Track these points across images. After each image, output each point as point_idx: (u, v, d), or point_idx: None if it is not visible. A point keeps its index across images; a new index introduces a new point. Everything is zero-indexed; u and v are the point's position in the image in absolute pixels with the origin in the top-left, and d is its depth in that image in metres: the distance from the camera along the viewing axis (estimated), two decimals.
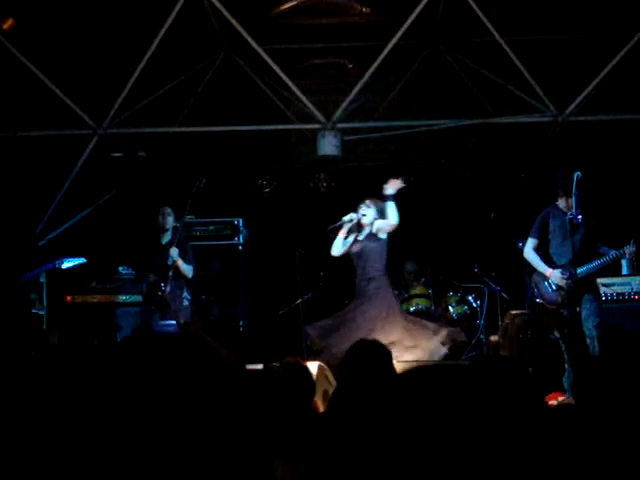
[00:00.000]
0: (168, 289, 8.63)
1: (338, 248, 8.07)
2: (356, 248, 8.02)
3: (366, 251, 7.95)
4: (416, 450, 2.99)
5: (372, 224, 8.00)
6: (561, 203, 7.68)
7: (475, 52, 10.58)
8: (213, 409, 2.52)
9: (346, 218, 8.04)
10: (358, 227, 8.07)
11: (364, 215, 8.02)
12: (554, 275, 7.56)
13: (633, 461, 2.96)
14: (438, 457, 2.96)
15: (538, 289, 7.70)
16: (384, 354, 4.35)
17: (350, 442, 3.16)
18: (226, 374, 2.72)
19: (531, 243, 7.86)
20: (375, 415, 3.19)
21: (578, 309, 7.51)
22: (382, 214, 7.99)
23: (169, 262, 8.61)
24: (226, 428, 2.51)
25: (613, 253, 7.55)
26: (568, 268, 7.54)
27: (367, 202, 8.09)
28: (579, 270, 7.49)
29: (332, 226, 8.12)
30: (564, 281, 7.50)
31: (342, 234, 8.02)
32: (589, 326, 7.40)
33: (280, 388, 3.81)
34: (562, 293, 7.55)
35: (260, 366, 4.71)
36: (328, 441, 3.22)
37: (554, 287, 7.57)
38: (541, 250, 7.79)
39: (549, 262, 7.68)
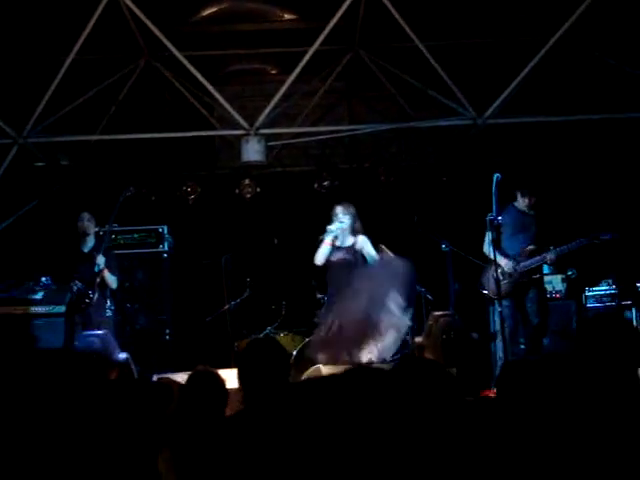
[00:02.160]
0: (95, 296, 8.56)
1: (324, 256, 8.32)
2: (338, 257, 8.18)
3: (351, 260, 8.20)
4: (333, 455, 3.01)
5: (349, 234, 8.28)
6: (520, 202, 8.43)
7: (395, 57, 10.67)
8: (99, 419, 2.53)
9: (332, 227, 8.31)
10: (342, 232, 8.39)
11: (343, 222, 8.34)
12: (505, 263, 8.01)
13: (552, 454, 3.04)
14: (356, 461, 2.98)
15: (487, 284, 8.19)
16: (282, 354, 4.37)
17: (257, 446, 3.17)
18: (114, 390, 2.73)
19: (488, 237, 8.30)
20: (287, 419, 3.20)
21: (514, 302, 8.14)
22: (357, 218, 8.44)
23: (95, 269, 8.53)
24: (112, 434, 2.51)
25: (544, 255, 8.17)
26: (514, 259, 8.22)
27: (340, 209, 8.40)
28: (526, 262, 8.19)
29: (322, 237, 8.35)
30: (512, 270, 8.05)
31: (329, 244, 8.28)
32: (530, 324, 8.18)
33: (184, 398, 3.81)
34: (508, 284, 8.11)
35: (185, 375, 4.68)
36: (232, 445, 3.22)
37: (500, 277, 7.95)
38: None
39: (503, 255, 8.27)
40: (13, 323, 9.31)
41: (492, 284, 8.21)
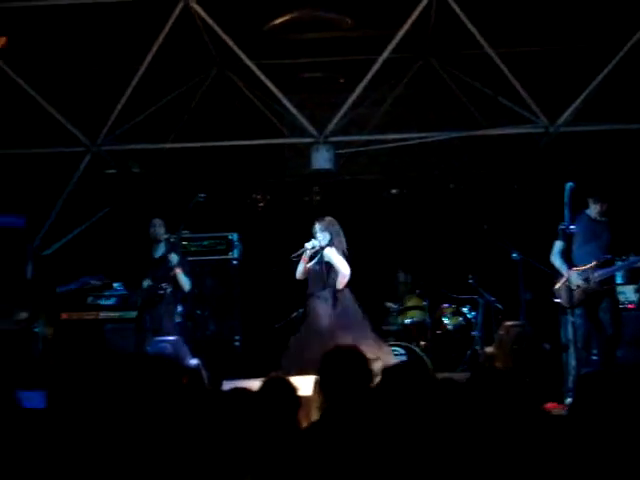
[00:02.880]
0: (169, 290, 8.65)
1: (299, 273, 8.35)
2: (311, 270, 8.28)
3: (320, 272, 8.21)
4: (413, 462, 3.00)
5: (328, 249, 8.23)
6: (592, 209, 8.25)
7: (466, 64, 10.61)
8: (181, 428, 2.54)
9: (308, 245, 8.25)
10: (321, 249, 8.29)
11: (320, 240, 8.26)
12: (572, 276, 7.85)
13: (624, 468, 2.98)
14: (434, 471, 2.96)
15: (559, 294, 8.03)
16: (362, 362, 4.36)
17: (339, 455, 3.16)
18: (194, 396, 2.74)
19: (557, 247, 8.24)
20: (367, 428, 3.19)
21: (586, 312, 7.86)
22: (337, 235, 8.32)
23: (169, 265, 8.61)
24: (196, 446, 2.52)
25: (634, 259, 7.91)
26: (586, 270, 7.97)
27: (318, 226, 8.33)
28: (599, 272, 7.93)
29: (295, 254, 8.31)
30: (580, 282, 7.79)
31: (304, 261, 8.27)
32: (604, 335, 7.98)
33: (257, 406, 3.81)
34: (581, 293, 7.83)
35: (257, 382, 4.70)
36: (313, 454, 3.22)
37: (573, 287, 7.83)
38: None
39: (572, 264, 7.99)
40: (85, 328, 9.49)
41: (564, 293, 8.08)
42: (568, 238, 7.98)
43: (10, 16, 9.29)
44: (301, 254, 8.26)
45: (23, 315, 7.99)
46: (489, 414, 3.17)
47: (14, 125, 10.28)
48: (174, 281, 8.73)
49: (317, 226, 8.33)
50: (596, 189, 8.46)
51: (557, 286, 8.24)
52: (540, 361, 7.71)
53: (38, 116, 9.87)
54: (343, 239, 8.35)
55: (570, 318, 7.84)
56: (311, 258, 8.24)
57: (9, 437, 2.84)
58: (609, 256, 8.19)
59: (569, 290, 7.94)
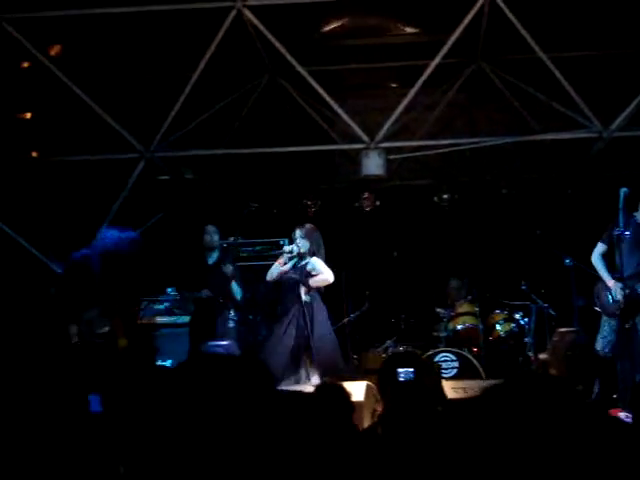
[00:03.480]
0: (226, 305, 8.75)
1: (272, 275, 8.33)
2: (287, 276, 8.25)
3: (297, 280, 8.17)
4: (470, 467, 2.99)
5: (307, 257, 8.23)
6: None
7: (518, 69, 10.56)
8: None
9: (287, 249, 8.30)
10: (298, 255, 8.25)
11: (299, 246, 8.21)
12: (615, 288, 7.61)
13: None
14: (491, 473, 2.96)
15: (599, 297, 7.79)
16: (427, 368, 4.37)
17: (401, 458, 3.17)
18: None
19: (599, 248, 7.97)
20: (427, 431, 3.20)
21: (627, 325, 7.54)
22: (317, 244, 8.31)
23: (227, 273, 8.70)
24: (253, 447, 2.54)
25: None
26: (630, 282, 7.59)
27: (298, 232, 8.32)
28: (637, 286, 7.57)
29: (275, 252, 8.60)
30: (622, 293, 7.56)
31: (280, 263, 8.29)
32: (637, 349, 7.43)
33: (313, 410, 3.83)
34: (620, 305, 7.60)
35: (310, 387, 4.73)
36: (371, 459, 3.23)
37: (616, 298, 7.61)
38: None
39: (614, 270, 7.74)
40: (139, 333, 9.59)
41: (607, 302, 7.79)
42: (611, 242, 7.78)
43: (65, 24, 9.46)
44: (278, 256, 8.31)
45: (105, 328, 8.11)
46: (544, 421, 3.15)
47: (70, 133, 10.44)
48: (228, 290, 8.82)
49: (297, 232, 8.31)
50: None
51: (597, 292, 7.96)
52: (595, 368, 7.64)
53: (93, 123, 10.01)
54: (323, 248, 8.33)
55: (617, 327, 7.63)
56: (285, 263, 8.22)
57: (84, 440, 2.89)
58: None
59: (611, 300, 7.74)
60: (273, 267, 8.30)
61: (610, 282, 7.75)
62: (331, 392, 4.41)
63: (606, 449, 2.89)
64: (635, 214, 7.96)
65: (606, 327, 7.81)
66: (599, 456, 2.86)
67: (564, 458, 2.94)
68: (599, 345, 7.79)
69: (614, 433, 3.03)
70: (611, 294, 7.71)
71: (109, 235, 8.53)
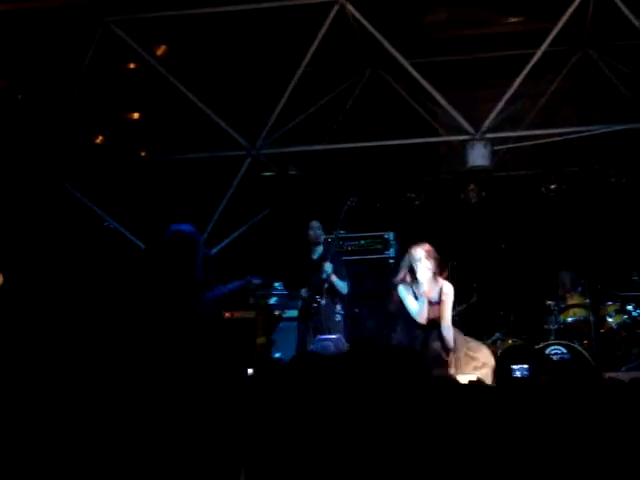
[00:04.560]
0: (323, 302, 8.77)
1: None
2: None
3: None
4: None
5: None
6: None
7: (626, 55, 10.33)
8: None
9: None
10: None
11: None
12: None
13: None
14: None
15: None
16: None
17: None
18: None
19: None
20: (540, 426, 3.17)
21: None
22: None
23: (323, 276, 8.75)
24: None
25: None
26: None
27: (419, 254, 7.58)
28: None
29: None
30: None
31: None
32: None
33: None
34: None
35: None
36: None
37: None
38: None
39: None
40: (248, 326, 9.71)
41: None
42: None
43: (170, 24, 9.65)
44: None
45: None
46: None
47: (177, 132, 10.65)
48: (331, 288, 8.85)
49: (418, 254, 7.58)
50: None
51: None
52: None
53: (200, 122, 10.19)
54: None
55: None
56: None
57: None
58: None
59: None
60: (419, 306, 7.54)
61: None
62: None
63: None
64: None
65: None
66: None
67: None
68: None
69: None
70: None
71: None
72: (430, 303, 7.50)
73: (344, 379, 2.67)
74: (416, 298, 7.51)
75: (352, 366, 2.64)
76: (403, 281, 7.58)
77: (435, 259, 7.53)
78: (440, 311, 7.53)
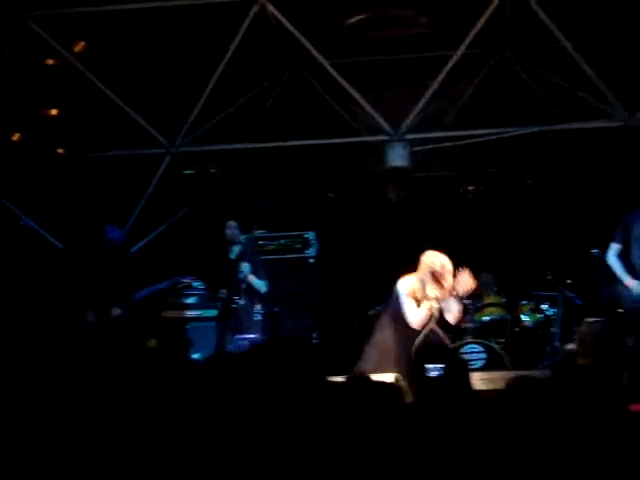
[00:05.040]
0: (242, 302, 8.74)
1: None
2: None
3: None
4: (499, 460, 3.00)
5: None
6: None
7: (543, 58, 10.51)
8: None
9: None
10: None
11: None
12: (634, 287, 7.55)
13: None
14: (522, 465, 2.97)
15: (620, 298, 7.72)
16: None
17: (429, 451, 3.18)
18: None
19: (614, 249, 7.87)
20: (456, 425, 3.21)
21: None
22: None
23: (240, 277, 8.73)
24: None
25: None
26: None
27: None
28: None
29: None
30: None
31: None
32: None
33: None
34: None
35: (340, 378, 4.73)
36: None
37: (636, 297, 7.56)
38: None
39: (632, 270, 7.66)
40: (169, 326, 9.64)
41: (626, 300, 7.77)
42: (626, 240, 7.70)
43: (89, 21, 9.51)
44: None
45: (116, 311, 8.15)
46: (571, 412, 3.15)
47: (95, 129, 10.51)
48: (249, 288, 8.84)
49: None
50: None
51: (617, 293, 7.89)
52: (623, 358, 7.59)
53: (119, 119, 10.06)
54: None
55: None
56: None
57: None
58: None
59: (631, 299, 7.68)
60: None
61: (629, 281, 7.68)
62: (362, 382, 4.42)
63: (622, 442, 2.88)
64: None
65: None
66: (616, 448, 2.86)
67: (584, 447, 2.95)
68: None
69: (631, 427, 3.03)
70: (631, 293, 7.65)
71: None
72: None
73: (243, 377, 2.67)
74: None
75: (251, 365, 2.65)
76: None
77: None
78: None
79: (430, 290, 6.85)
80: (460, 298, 6.89)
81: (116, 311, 8.16)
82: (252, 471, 2.51)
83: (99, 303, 8.17)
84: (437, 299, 6.82)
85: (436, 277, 6.80)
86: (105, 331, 7.97)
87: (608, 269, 8.00)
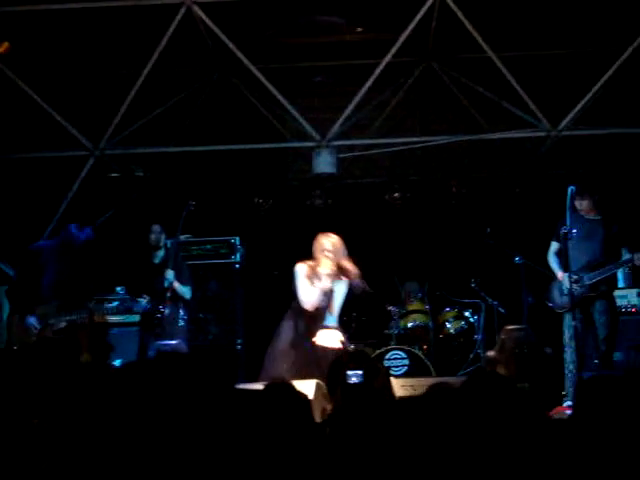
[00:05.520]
0: (166, 311, 8.62)
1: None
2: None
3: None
4: (415, 467, 3.01)
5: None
6: (578, 206, 8.00)
7: (468, 68, 10.64)
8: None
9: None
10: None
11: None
12: (564, 279, 7.78)
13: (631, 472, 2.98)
14: (436, 472, 2.98)
15: (550, 294, 7.98)
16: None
17: (351, 458, 3.18)
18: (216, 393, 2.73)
19: (553, 247, 8.22)
20: (376, 433, 3.21)
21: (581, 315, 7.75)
22: None
23: (165, 284, 8.62)
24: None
25: (626, 257, 7.75)
26: (578, 272, 7.74)
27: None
28: (589, 275, 7.72)
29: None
30: (572, 285, 7.69)
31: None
32: (599, 338, 7.75)
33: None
34: (570, 297, 7.75)
35: (259, 385, 4.70)
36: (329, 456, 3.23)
37: (564, 291, 7.79)
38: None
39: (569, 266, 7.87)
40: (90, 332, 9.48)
41: (557, 297, 8.06)
42: (564, 238, 7.89)
43: (12, 21, 9.34)
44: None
45: (62, 324, 8.02)
46: (487, 419, 3.18)
47: (17, 130, 10.32)
48: (173, 294, 8.72)
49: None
50: (583, 184, 8.29)
51: (550, 290, 8.17)
52: (542, 365, 7.72)
53: (41, 120, 9.91)
54: None
55: (569, 322, 7.78)
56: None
57: None
58: (601, 259, 8.00)
59: (561, 294, 7.92)
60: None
61: (559, 274, 7.95)
62: (281, 389, 4.40)
63: (541, 447, 2.92)
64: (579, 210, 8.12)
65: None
66: (534, 452, 2.89)
67: (503, 453, 2.97)
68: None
69: (549, 432, 3.07)
70: (560, 287, 7.89)
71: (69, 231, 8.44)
72: None
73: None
74: None
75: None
76: None
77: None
78: None
79: (323, 268, 7.33)
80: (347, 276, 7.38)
81: (61, 324, 8.03)
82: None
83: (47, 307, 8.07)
84: (329, 276, 7.30)
85: (327, 256, 7.33)
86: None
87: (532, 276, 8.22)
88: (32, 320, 8.02)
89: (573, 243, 7.81)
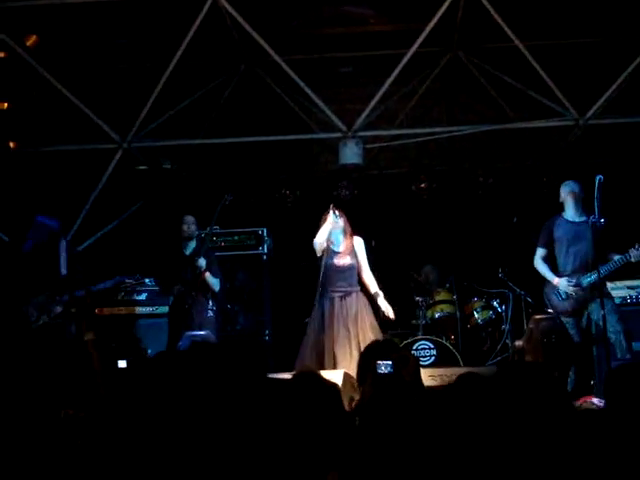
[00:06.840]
0: (195, 299, 8.68)
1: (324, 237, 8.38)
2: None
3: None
4: (446, 457, 3.03)
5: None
6: (567, 212, 7.96)
7: (495, 57, 10.60)
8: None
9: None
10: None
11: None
12: (561, 284, 7.70)
13: None
14: (466, 462, 3.00)
15: (549, 299, 7.86)
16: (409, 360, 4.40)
17: (382, 448, 3.20)
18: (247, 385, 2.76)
19: (540, 253, 8.05)
20: (406, 423, 3.23)
21: (586, 315, 7.66)
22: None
23: (197, 272, 8.64)
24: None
25: (617, 258, 7.61)
26: (574, 276, 7.66)
27: (337, 212, 8.44)
28: (585, 278, 7.61)
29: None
30: (571, 289, 7.63)
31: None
32: (612, 324, 7.45)
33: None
34: (571, 301, 7.67)
35: (288, 375, 4.73)
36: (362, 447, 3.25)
37: (563, 296, 7.70)
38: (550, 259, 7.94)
39: (557, 271, 7.82)
40: (118, 324, 9.58)
41: (558, 302, 7.84)
42: (550, 244, 7.88)
43: (41, 14, 9.42)
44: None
45: (58, 309, 8.09)
46: (517, 409, 3.19)
47: (47, 123, 10.41)
48: (203, 284, 8.76)
49: (337, 211, 8.45)
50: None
51: (546, 294, 8.00)
52: (571, 354, 7.70)
53: (70, 114, 9.98)
54: None
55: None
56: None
57: None
58: (592, 259, 7.68)
59: (560, 298, 7.81)
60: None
61: (555, 280, 7.83)
62: (309, 378, 4.42)
63: (572, 437, 2.93)
64: (562, 213, 8.06)
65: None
66: (564, 442, 2.90)
67: (535, 443, 2.98)
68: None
69: (580, 422, 3.08)
70: (559, 292, 7.78)
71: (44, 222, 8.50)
72: None
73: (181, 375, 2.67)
74: None
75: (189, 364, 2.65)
76: None
77: None
78: None
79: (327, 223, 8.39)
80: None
81: (57, 308, 8.11)
82: (191, 470, 2.51)
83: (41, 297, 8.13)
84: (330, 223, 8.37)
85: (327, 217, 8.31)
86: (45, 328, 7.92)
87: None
88: (30, 309, 8.11)
89: (561, 250, 7.78)
